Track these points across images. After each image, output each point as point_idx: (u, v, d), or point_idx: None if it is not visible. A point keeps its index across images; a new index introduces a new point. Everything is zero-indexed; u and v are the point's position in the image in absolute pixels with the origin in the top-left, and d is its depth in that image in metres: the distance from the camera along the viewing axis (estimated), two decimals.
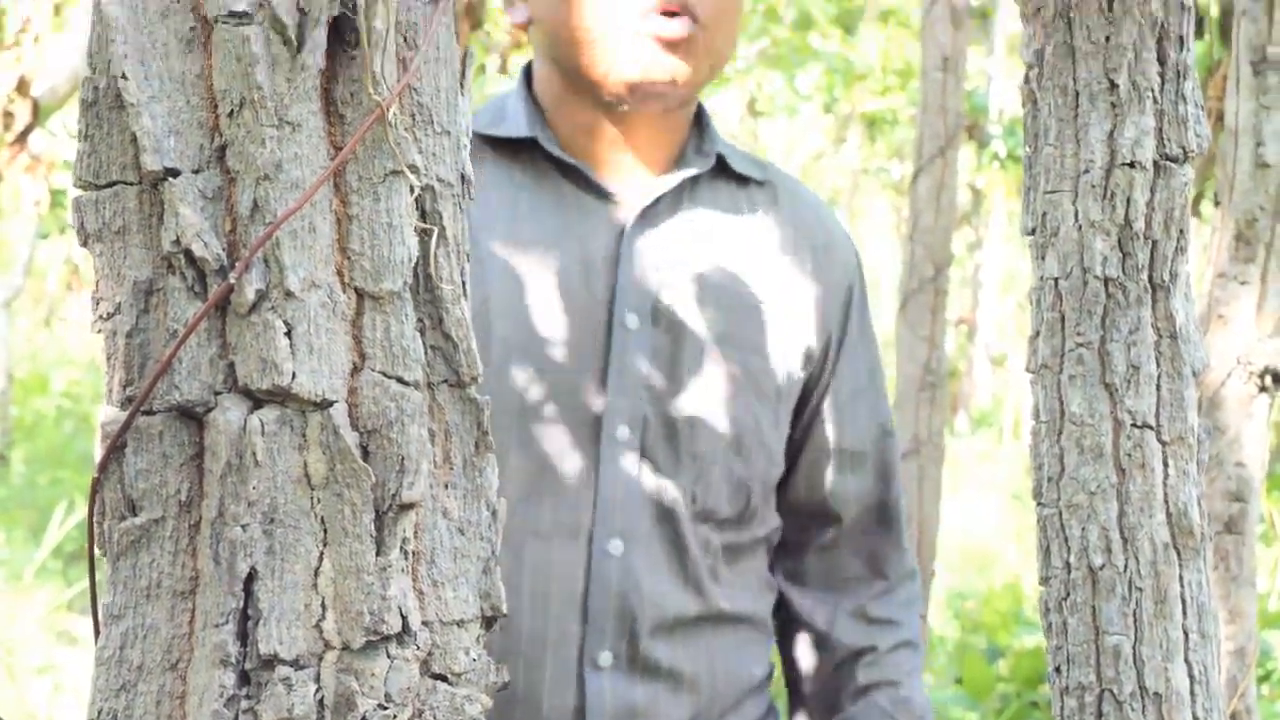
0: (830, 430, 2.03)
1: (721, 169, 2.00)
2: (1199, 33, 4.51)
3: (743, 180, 2.02)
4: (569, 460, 1.85)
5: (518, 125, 1.92)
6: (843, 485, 2.05)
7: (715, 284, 1.95)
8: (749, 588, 2.00)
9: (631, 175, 1.94)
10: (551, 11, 1.89)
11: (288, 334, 0.93)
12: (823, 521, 2.06)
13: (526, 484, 1.84)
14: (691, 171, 1.96)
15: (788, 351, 1.97)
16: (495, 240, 1.85)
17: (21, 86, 6.20)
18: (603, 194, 1.92)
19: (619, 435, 1.87)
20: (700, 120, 2.02)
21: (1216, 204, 2.65)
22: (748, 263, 1.98)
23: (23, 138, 6.21)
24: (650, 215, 1.93)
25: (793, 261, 2.01)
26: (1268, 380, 2.54)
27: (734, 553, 1.98)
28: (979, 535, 9.71)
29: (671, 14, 1.83)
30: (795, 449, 2.03)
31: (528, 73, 2.03)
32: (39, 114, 6.25)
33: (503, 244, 1.87)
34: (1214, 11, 4.66)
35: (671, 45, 1.82)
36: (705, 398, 1.91)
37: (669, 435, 1.90)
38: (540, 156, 1.92)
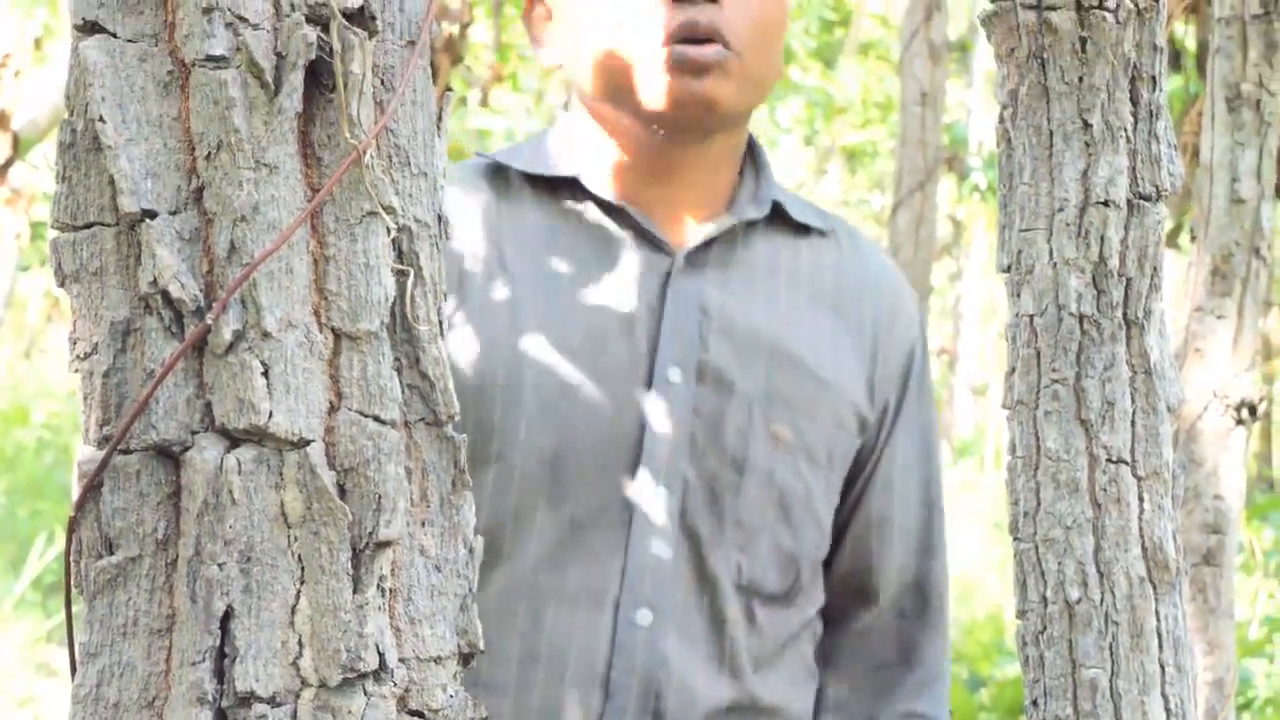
0: (877, 502, 1.88)
1: (778, 216, 1.88)
2: (1176, 67, 4.54)
3: (802, 229, 1.89)
4: (600, 521, 1.73)
5: (558, 163, 1.83)
6: (884, 561, 1.89)
7: (767, 340, 1.81)
8: (792, 677, 1.86)
9: (679, 218, 1.83)
10: (576, 50, 1.81)
11: (265, 374, 0.93)
12: (862, 600, 1.90)
13: (553, 544, 1.72)
14: (745, 216, 1.84)
15: (842, 416, 1.83)
16: (532, 283, 1.75)
17: (1, 120, 6.20)
18: (648, 237, 1.80)
19: (656, 496, 1.73)
20: (756, 163, 1.91)
21: (1193, 238, 2.66)
22: (803, 319, 1.84)
23: (3, 171, 6.21)
24: (698, 261, 1.81)
25: (852, 320, 1.88)
26: (1244, 413, 2.55)
27: (778, 634, 1.83)
28: (961, 565, 9.71)
29: (699, 40, 1.73)
30: (842, 522, 1.88)
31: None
32: (19, 147, 6.25)
33: (540, 287, 1.77)
34: (1190, 44, 4.68)
35: (700, 69, 1.72)
36: (752, 461, 1.78)
37: (711, 500, 1.76)
38: (582, 195, 1.82)
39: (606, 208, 1.82)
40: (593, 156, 1.83)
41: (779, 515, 1.79)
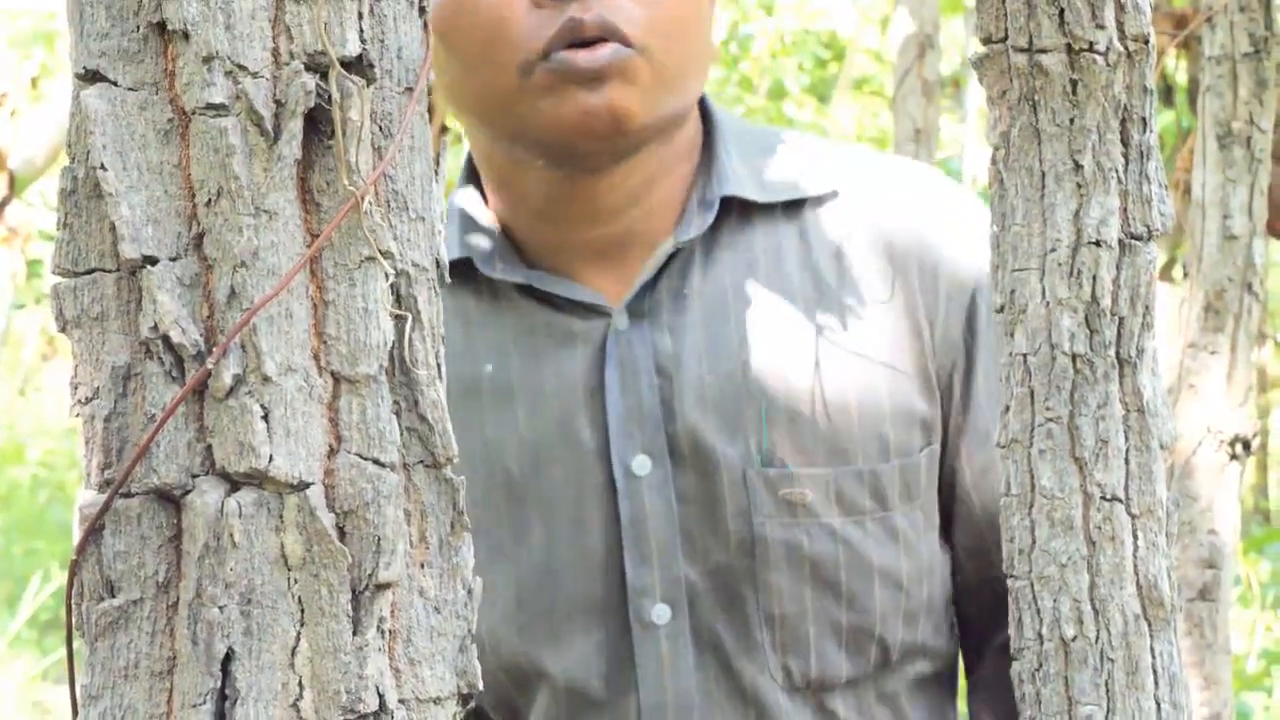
0: (980, 496, 1.53)
1: (748, 205, 1.48)
2: (1168, 102, 4.56)
3: (790, 207, 1.50)
4: (597, 666, 1.44)
5: (451, 242, 1.48)
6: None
7: (755, 378, 1.45)
8: None
9: (618, 262, 1.48)
10: (451, 86, 1.45)
11: (265, 417, 0.94)
12: (999, 611, 1.44)
13: (555, 702, 1.45)
14: (685, 237, 1.46)
15: (885, 434, 1.47)
16: (456, 399, 1.30)
17: None
18: (572, 304, 1.46)
19: (655, 619, 1.43)
20: (710, 153, 1.49)
21: (1185, 274, 2.68)
22: (802, 328, 1.47)
23: None
24: (642, 311, 1.45)
25: (877, 297, 1.49)
26: (1238, 449, 2.57)
27: (884, 711, 1.51)
28: None
29: (587, 42, 1.37)
30: (949, 529, 1.55)
31: (472, 167, 1.55)
32: (15, 186, 6.27)
33: (465, 403, 1.44)
34: (1182, 78, 4.70)
35: (594, 78, 1.36)
36: (766, 540, 1.45)
37: (728, 603, 1.45)
38: (482, 280, 1.48)
39: (521, 289, 1.47)
40: (494, 216, 1.50)
41: (822, 592, 1.45)
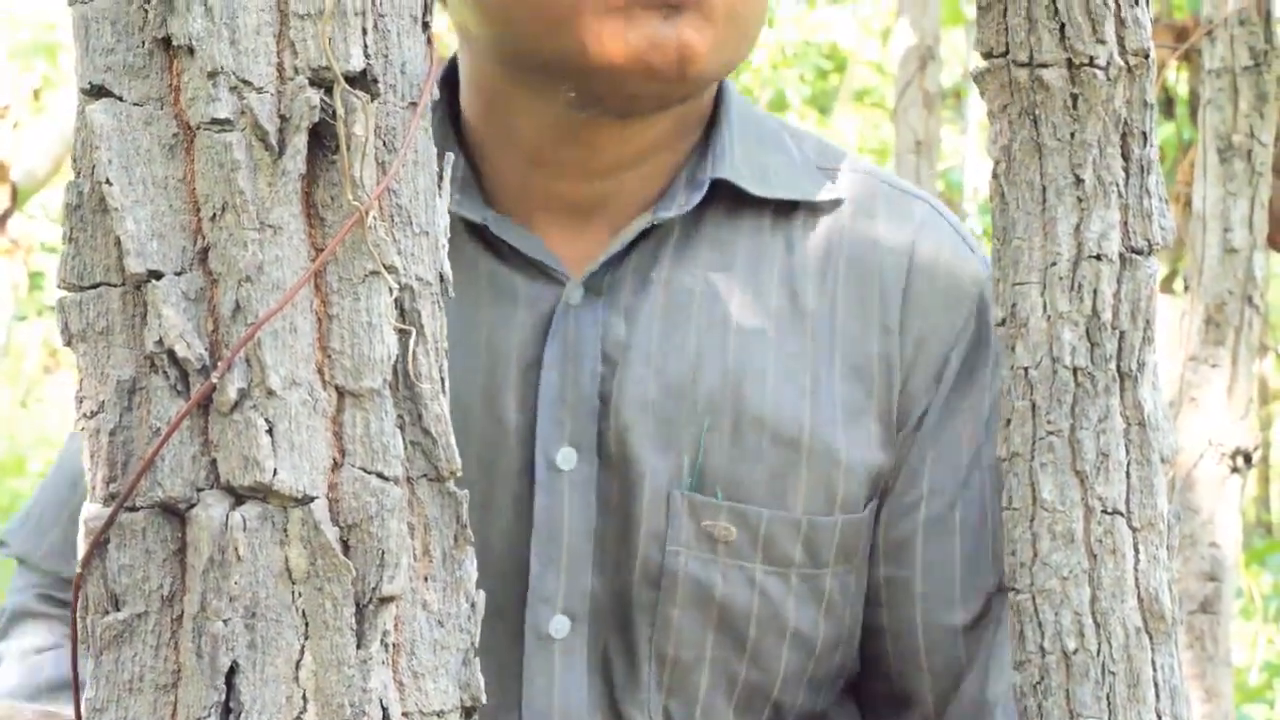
0: (914, 586, 1.36)
1: (742, 196, 1.32)
2: (1168, 115, 4.56)
3: (784, 207, 1.34)
4: (490, 665, 1.17)
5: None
6: (930, 662, 1.37)
7: (707, 390, 1.29)
8: None
9: (584, 232, 1.32)
10: None
11: (269, 431, 0.94)
12: (902, 709, 1.39)
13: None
14: (664, 215, 1.30)
15: (832, 487, 1.31)
16: None
17: (0, 171, 6.23)
18: (525, 262, 1.29)
19: (553, 631, 1.27)
20: (714, 129, 1.34)
21: (1186, 287, 2.69)
22: (767, 347, 1.31)
23: (1, 222, 6.24)
24: (602, 287, 1.29)
25: (854, 335, 1.33)
26: (1239, 461, 2.57)
27: None
28: None
29: None
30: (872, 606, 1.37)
31: (451, 78, 1.36)
32: (18, 198, 6.28)
33: None
34: (1183, 91, 4.71)
35: (675, 7, 1.21)
36: (675, 574, 1.28)
37: (622, 628, 1.29)
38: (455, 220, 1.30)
39: (470, 228, 1.30)
40: (484, 149, 1.33)
41: (724, 641, 1.30)
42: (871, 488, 1.34)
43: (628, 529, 1.27)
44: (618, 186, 1.32)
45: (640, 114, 1.28)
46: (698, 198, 1.30)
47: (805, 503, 1.30)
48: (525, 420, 1.27)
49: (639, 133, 1.30)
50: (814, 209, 1.35)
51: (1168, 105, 4.65)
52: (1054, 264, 1.30)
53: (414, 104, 0.98)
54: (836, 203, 1.36)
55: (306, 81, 0.94)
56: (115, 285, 0.96)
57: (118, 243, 0.94)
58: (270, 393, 0.94)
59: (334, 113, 0.94)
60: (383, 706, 0.96)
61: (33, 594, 1.50)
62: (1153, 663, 1.34)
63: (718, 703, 1.30)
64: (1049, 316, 1.31)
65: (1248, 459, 2.56)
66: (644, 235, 1.32)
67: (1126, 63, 1.28)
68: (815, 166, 1.38)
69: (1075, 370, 1.31)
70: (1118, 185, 1.30)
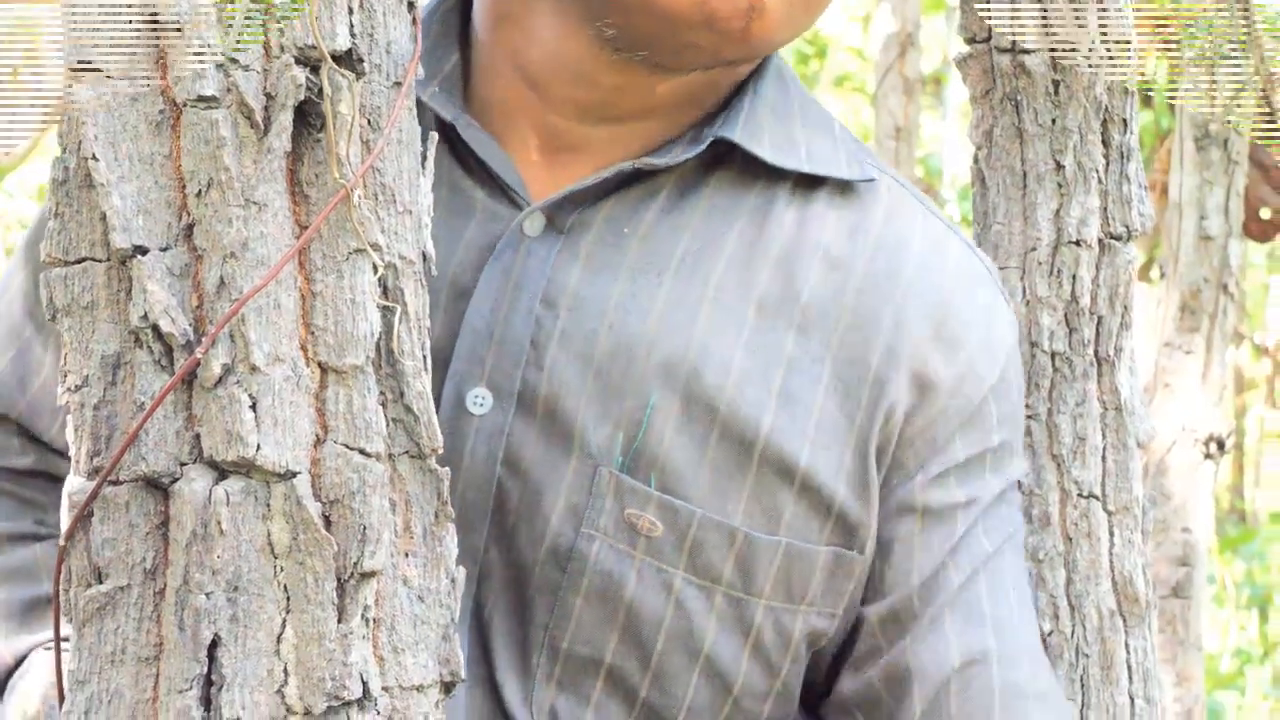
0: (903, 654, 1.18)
1: (753, 160, 1.16)
2: (1147, 103, 4.58)
3: (808, 182, 1.18)
4: None
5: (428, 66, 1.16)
6: None
7: (660, 361, 1.13)
8: None
9: (565, 167, 1.18)
10: None
11: (252, 407, 0.95)
12: None
13: None
14: (647, 161, 1.14)
15: (792, 514, 1.14)
16: None
17: None
18: (485, 175, 1.17)
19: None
20: (736, 95, 1.18)
21: (1162, 274, 2.70)
22: (742, 331, 1.15)
23: None
24: (566, 225, 1.15)
25: (849, 356, 1.16)
26: (1213, 448, 2.59)
27: None
28: None
29: None
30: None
31: None
32: None
33: None
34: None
35: None
36: (586, 559, 1.14)
37: (517, 607, 1.16)
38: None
39: (440, 127, 1.16)
40: (470, 40, 1.20)
41: (627, 650, 1.15)
42: (835, 527, 1.15)
43: (539, 497, 1.13)
44: (615, 134, 1.17)
45: (681, 70, 1.13)
46: (694, 152, 1.14)
47: (745, 513, 1.13)
48: (442, 349, 1.12)
49: (667, 89, 1.15)
50: (842, 189, 1.18)
51: (1146, 95, 4.66)
52: (1034, 249, 1.32)
53: (399, 83, 0.99)
54: (870, 191, 1.19)
55: (293, 60, 0.95)
56: (100, 260, 0.96)
57: (103, 218, 0.95)
58: (254, 368, 0.94)
59: (320, 91, 0.95)
60: (363, 680, 0.97)
61: None
62: (1126, 645, 1.35)
63: (610, 715, 1.15)
64: (1028, 301, 1.32)
65: (1221, 445, 2.58)
66: (628, 185, 1.17)
67: (1108, 50, 1.29)
68: (857, 157, 1.21)
69: (1053, 355, 1.32)
70: (1098, 171, 1.31)
